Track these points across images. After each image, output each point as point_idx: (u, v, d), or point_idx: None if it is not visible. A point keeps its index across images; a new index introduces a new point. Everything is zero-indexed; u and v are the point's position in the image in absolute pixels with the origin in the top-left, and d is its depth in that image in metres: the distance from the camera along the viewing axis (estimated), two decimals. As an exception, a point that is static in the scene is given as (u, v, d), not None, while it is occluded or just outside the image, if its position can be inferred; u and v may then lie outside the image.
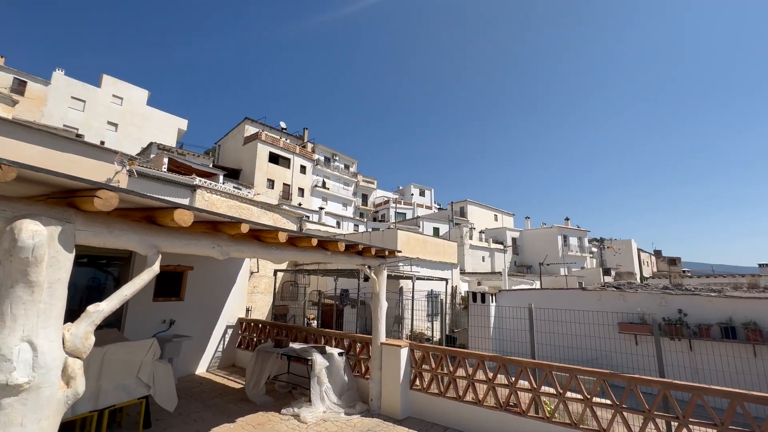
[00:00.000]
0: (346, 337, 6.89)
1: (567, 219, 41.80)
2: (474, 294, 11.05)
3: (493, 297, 11.05)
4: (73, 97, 30.78)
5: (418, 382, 5.94)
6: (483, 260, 34.08)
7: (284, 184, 35.87)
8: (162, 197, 2.79)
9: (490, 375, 5.34)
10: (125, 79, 34.71)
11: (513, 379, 5.16)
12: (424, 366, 5.96)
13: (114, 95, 33.27)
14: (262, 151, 34.64)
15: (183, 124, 38.37)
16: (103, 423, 4.50)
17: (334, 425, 5.27)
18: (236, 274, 8.87)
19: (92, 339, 2.51)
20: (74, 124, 29.36)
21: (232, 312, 8.64)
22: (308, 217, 24.43)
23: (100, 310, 2.54)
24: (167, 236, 3.08)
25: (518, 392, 5.10)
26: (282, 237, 3.89)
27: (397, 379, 5.83)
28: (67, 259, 2.38)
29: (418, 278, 11.09)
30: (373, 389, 6.03)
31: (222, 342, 8.31)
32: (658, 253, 38.44)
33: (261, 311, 11.56)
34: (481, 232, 40.03)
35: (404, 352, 5.97)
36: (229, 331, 8.51)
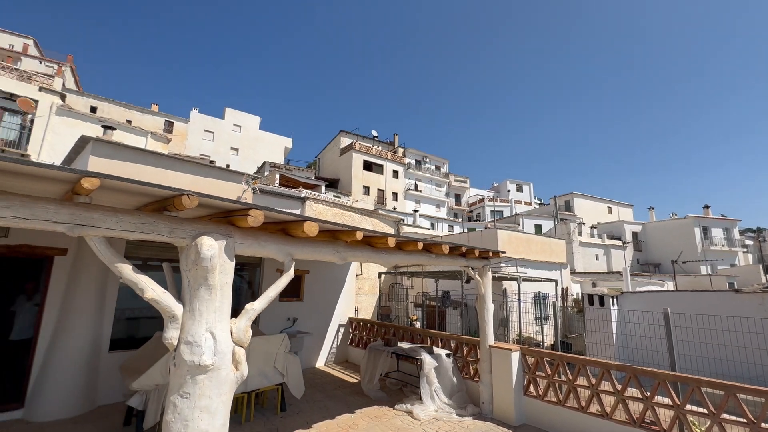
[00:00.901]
0: (453, 339, 6.92)
1: (707, 207, 34.94)
2: (590, 296, 10.04)
3: (614, 300, 9.88)
4: (205, 130, 36.93)
5: (532, 388, 5.67)
6: (596, 258, 30.59)
7: (378, 189, 37.38)
8: (287, 210, 3.26)
9: (618, 386, 4.82)
10: (240, 108, 40.40)
11: (648, 393, 4.58)
12: (537, 372, 5.67)
13: (234, 124, 38.90)
14: (357, 160, 36.69)
15: (288, 142, 42.88)
16: (251, 403, 5.35)
17: (447, 425, 5.35)
18: (344, 277, 9.61)
19: (250, 332, 3.03)
20: (207, 153, 35.22)
21: (343, 312, 9.38)
22: (403, 220, 25.09)
23: (254, 308, 3.06)
24: (298, 245, 3.57)
25: (655, 408, 4.51)
26: (391, 242, 4.14)
27: (509, 384, 5.65)
28: (231, 267, 2.94)
29: (524, 279, 10.53)
30: (483, 392, 5.95)
31: (336, 339, 9.08)
32: None
33: (366, 311, 12.28)
34: (592, 227, 35.94)
35: (515, 357, 5.76)
36: (342, 330, 9.25)
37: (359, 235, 3.77)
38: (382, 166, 38.56)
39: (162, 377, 4.39)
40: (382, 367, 6.69)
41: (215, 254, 2.77)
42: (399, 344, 7.07)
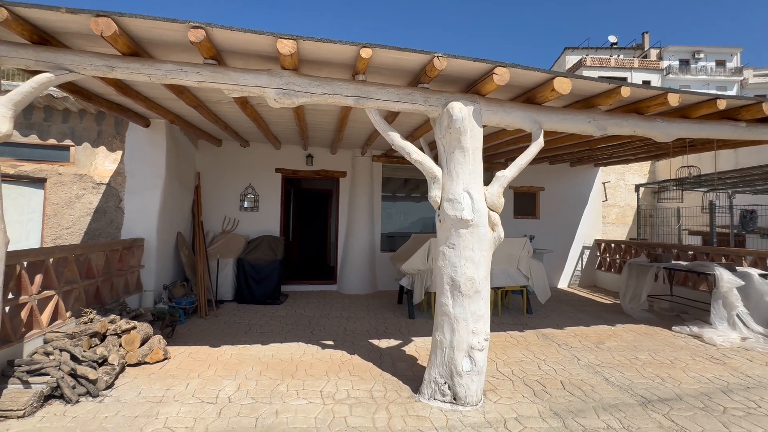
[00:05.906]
0: (771, 257, 4.94)
1: None
2: None
3: None
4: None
5: None
6: None
7: (621, 109, 30.24)
8: (542, 69, 2.90)
9: None
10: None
11: None
12: None
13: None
14: (589, 78, 30.58)
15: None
16: (498, 300, 5.62)
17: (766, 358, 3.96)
18: (587, 195, 8.43)
19: (503, 199, 3.03)
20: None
21: (586, 233, 8.35)
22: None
23: (505, 175, 3.02)
24: (546, 112, 3.23)
25: None
26: (673, 100, 3.16)
27: None
28: (480, 132, 2.96)
29: None
30: (838, 330, 4.02)
31: (580, 261, 8.25)
32: None
33: (615, 241, 10.47)
34: None
35: None
36: (586, 252, 8.29)
37: (625, 92, 3.05)
38: (624, 79, 30.74)
39: (422, 263, 5.15)
40: (649, 287, 5.59)
41: (465, 116, 2.84)
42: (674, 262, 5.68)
